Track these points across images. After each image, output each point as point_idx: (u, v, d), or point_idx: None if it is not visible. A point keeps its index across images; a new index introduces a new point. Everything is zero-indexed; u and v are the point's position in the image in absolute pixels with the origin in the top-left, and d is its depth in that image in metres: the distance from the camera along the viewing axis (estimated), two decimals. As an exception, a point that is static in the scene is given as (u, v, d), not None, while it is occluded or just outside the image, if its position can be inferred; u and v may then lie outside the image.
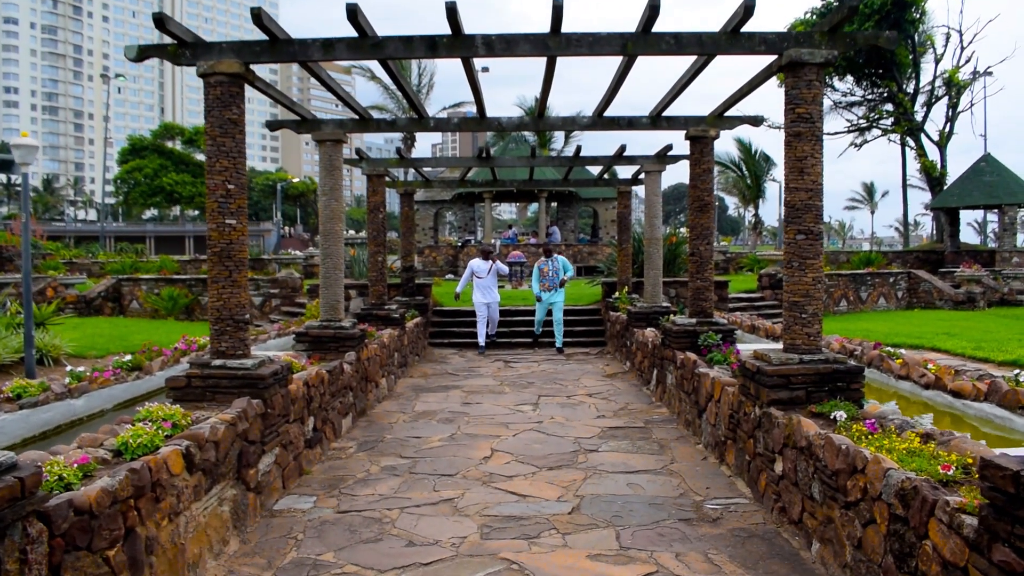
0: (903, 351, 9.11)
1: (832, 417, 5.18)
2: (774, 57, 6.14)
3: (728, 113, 8.96)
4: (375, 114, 50.59)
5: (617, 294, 15.07)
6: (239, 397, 5.56)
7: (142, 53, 5.90)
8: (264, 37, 6.00)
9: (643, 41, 5.97)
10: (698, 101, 8.94)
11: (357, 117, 9.05)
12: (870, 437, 4.60)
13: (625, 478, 6.41)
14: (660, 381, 9.66)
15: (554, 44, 5.92)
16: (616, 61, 7.22)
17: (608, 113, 8.96)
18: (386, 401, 9.95)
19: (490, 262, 14.54)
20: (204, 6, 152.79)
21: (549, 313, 14.88)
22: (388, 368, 10.63)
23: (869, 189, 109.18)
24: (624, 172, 15.07)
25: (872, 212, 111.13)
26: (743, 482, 6.16)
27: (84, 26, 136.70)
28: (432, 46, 5.96)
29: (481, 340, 14.56)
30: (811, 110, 5.80)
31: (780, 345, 11.71)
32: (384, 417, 8.94)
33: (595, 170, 15.83)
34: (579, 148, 12.01)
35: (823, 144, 5.90)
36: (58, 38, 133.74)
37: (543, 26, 7.23)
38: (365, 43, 5.96)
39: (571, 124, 8.79)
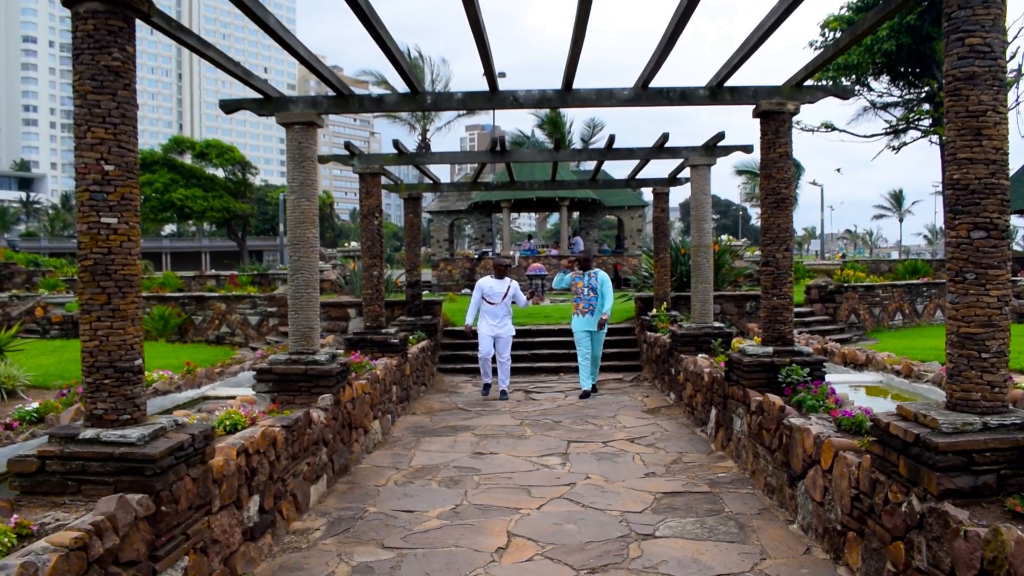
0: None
1: (1063, 527, 3.14)
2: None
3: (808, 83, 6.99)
4: (386, 122, 48.45)
5: (655, 311, 13.02)
6: (117, 489, 3.62)
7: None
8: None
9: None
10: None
11: (334, 94, 7.11)
12: None
13: (702, 590, 4.38)
14: (722, 425, 7.61)
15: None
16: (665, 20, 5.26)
17: (655, 84, 6.99)
18: (377, 451, 7.96)
19: (506, 282, 11.20)
20: None
21: None
22: (383, 407, 8.65)
23: (897, 197, 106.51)
24: (660, 172, 13.09)
25: (900, 220, 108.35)
26: (884, 603, 4.12)
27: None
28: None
29: (486, 377, 11.20)
30: (991, 40, 3.78)
31: (870, 376, 9.67)
32: (371, 476, 6.95)
33: (622, 174, 13.86)
34: (612, 138, 10.06)
35: (1007, 93, 3.89)
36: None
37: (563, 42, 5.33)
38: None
39: (607, 98, 6.84)
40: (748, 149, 10.14)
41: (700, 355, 9.54)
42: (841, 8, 33.85)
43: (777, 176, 6.95)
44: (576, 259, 11.47)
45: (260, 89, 6.83)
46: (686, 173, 11.87)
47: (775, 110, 6.91)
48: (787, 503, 5.67)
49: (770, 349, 6.90)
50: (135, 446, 3.71)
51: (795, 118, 7.19)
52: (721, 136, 9.77)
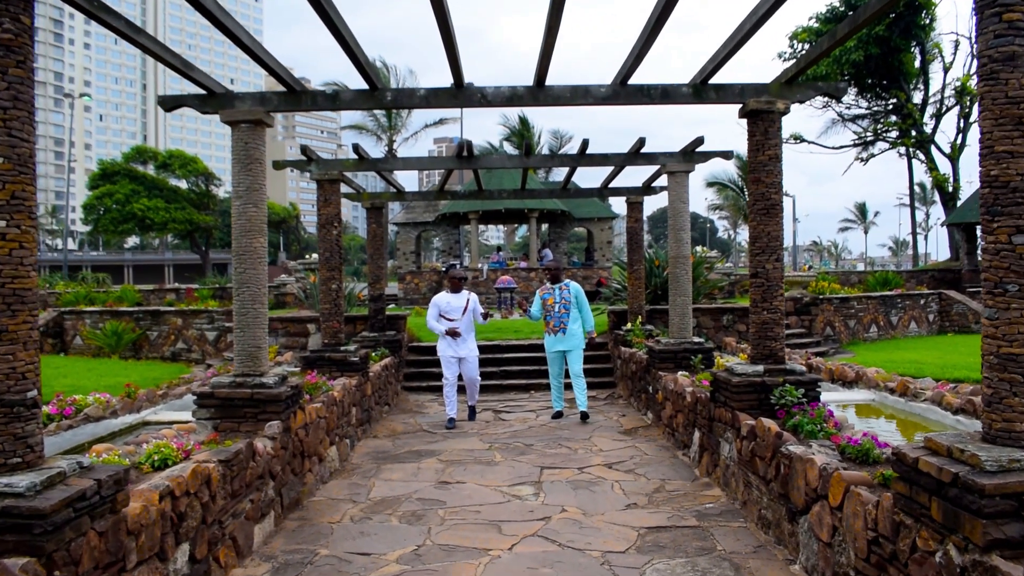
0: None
1: None
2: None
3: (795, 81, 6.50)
4: (353, 134, 47.63)
5: (629, 325, 12.50)
6: (2, 549, 2.96)
7: None
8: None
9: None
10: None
11: (284, 90, 6.49)
12: None
13: (700, 650, 3.80)
14: (707, 449, 7.07)
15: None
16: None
17: (635, 81, 6.46)
18: (334, 480, 7.30)
19: (464, 295, 10.12)
20: None
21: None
22: (340, 431, 8.00)
23: (862, 209, 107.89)
24: (633, 182, 12.60)
25: (866, 232, 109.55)
26: (911, 666, 3.56)
27: (65, 52, 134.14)
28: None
29: (451, 409, 9.89)
30: (1031, 16, 3.28)
31: (861, 394, 9.20)
32: (325, 511, 6.29)
33: (593, 185, 13.34)
34: (586, 142, 9.52)
35: (1049, 77, 3.38)
36: (38, 65, 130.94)
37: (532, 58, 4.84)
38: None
39: (583, 96, 6.29)
40: (728, 155, 9.71)
41: (680, 372, 9.00)
42: (810, 19, 33.89)
43: (767, 180, 6.45)
44: (546, 269, 10.74)
45: (202, 84, 6.20)
46: (662, 181, 11.39)
47: (764, 109, 6.40)
48: (786, 540, 5.11)
49: (760, 368, 6.36)
50: (23, 497, 3.05)
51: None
52: (700, 141, 9.29)
